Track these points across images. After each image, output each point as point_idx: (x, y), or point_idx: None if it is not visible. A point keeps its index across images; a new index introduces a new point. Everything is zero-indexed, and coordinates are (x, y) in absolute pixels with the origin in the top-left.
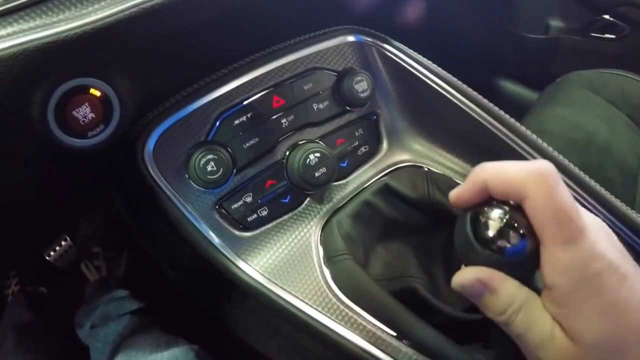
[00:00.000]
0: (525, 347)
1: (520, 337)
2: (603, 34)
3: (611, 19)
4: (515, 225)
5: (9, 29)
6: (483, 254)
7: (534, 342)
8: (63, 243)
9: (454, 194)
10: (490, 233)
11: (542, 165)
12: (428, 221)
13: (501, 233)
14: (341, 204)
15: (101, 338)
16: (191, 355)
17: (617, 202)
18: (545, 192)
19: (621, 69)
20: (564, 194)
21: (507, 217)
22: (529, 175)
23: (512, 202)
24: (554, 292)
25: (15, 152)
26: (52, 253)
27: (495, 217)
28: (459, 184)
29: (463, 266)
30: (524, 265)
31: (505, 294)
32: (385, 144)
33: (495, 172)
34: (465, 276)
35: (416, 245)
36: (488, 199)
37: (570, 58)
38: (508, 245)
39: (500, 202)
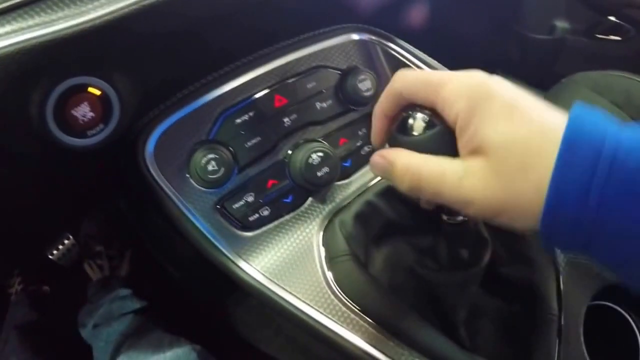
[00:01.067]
0: (449, 201)
1: (438, 194)
2: (608, 36)
3: (617, 20)
4: (423, 114)
5: (7, 27)
6: (397, 137)
7: (452, 186)
8: (66, 242)
9: (375, 111)
10: (407, 124)
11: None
12: (430, 225)
13: (413, 121)
14: (344, 204)
15: (104, 337)
16: (194, 355)
17: None
18: (421, 77)
19: (626, 70)
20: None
21: (418, 112)
22: (415, 78)
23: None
24: (458, 120)
25: (15, 152)
26: (55, 252)
27: (411, 114)
28: None
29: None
30: (432, 142)
31: (400, 162)
32: (387, 144)
33: (408, 81)
34: (372, 157)
35: (419, 248)
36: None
37: (575, 59)
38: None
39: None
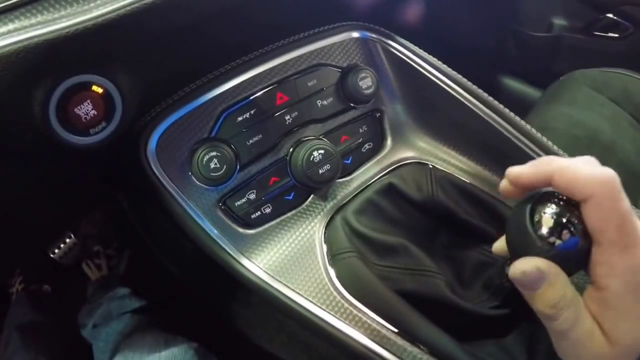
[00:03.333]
0: (565, 343)
1: (564, 332)
2: (606, 33)
3: (615, 17)
4: (572, 222)
5: (10, 26)
6: (539, 246)
7: (576, 338)
8: (67, 240)
9: (515, 172)
10: (546, 228)
11: (609, 171)
12: (431, 223)
13: (557, 228)
14: (345, 201)
15: (103, 337)
16: (190, 354)
17: None
18: (611, 196)
19: (624, 68)
20: (627, 202)
21: (565, 213)
22: (596, 178)
23: (571, 200)
24: (605, 293)
25: (18, 150)
26: (56, 251)
27: (554, 213)
28: (464, 181)
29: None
30: (574, 262)
31: (559, 287)
32: (389, 141)
33: (564, 166)
34: (528, 264)
35: (420, 245)
36: (545, 192)
37: (573, 56)
38: (560, 242)
39: (558, 198)
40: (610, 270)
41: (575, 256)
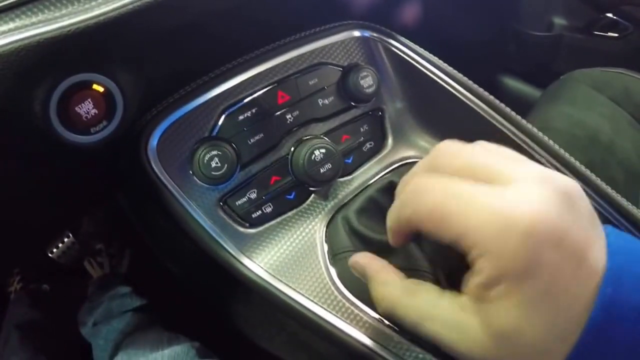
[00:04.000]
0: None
1: (413, 328)
2: (606, 33)
3: (614, 17)
4: None
5: (11, 25)
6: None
7: (434, 331)
8: (66, 240)
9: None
10: None
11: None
12: None
13: None
14: (346, 201)
15: (103, 335)
16: (192, 353)
17: (623, 201)
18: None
19: (624, 67)
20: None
21: None
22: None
23: None
24: (479, 278)
25: (18, 149)
26: (54, 250)
27: None
28: None
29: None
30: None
31: (381, 284)
32: (390, 140)
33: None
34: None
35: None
36: None
37: (573, 56)
38: None
39: None
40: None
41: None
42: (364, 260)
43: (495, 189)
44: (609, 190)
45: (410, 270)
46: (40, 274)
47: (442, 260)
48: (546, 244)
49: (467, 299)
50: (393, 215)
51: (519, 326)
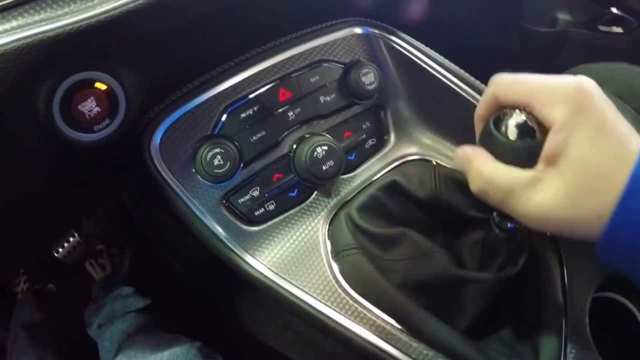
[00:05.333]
0: (513, 213)
1: (503, 204)
2: (611, 28)
3: (619, 12)
4: (524, 124)
5: (14, 23)
6: (491, 132)
7: (519, 201)
8: (71, 240)
9: (475, 115)
10: (505, 128)
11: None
12: (435, 221)
13: (513, 129)
14: (349, 198)
15: (108, 337)
16: (192, 353)
17: None
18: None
19: (628, 62)
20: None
21: (515, 112)
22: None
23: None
24: (554, 125)
25: (22, 147)
26: (60, 250)
27: (508, 112)
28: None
29: None
30: (526, 155)
31: (476, 163)
32: (392, 137)
33: (504, 84)
34: (458, 149)
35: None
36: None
37: (578, 51)
38: (514, 138)
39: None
40: (553, 99)
41: (527, 150)
42: (467, 148)
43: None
44: None
45: (420, 256)
46: (45, 274)
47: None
48: (596, 93)
49: (541, 164)
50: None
51: (587, 157)
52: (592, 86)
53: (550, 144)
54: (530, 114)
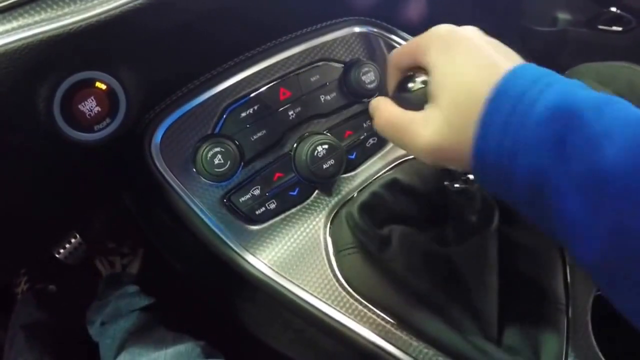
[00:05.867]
0: (409, 148)
1: (401, 142)
2: (610, 27)
3: (618, 11)
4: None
5: (14, 23)
6: (395, 94)
7: (412, 136)
8: (72, 240)
9: (389, 71)
10: (405, 83)
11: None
12: (436, 217)
13: (403, 83)
14: (350, 197)
15: (110, 335)
16: (196, 351)
17: None
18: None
19: (628, 61)
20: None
21: (416, 73)
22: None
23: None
24: (429, 69)
25: (22, 147)
26: (61, 251)
27: (410, 75)
28: (467, 174)
29: None
30: (413, 101)
31: (381, 108)
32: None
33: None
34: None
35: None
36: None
37: (578, 50)
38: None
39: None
40: (427, 58)
41: (417, 96)
42: (375, 99)
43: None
44: None
45: (408, 248)
46: (46, 274)
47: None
48: (462, 29)
49: (428, 104)
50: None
51: (458, 85)
52: (452, 27)
53: (431, 85)
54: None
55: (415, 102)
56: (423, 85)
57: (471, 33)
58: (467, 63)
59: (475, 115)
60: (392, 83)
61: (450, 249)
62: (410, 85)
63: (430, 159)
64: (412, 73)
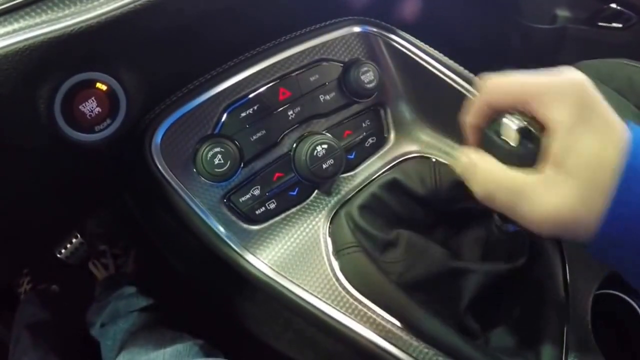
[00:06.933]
0: (523, 216)
1: (512, 208)
2: (610, 23)
3: (618, 7)
4: (524, 128)
5: (15, 25)
6: (491, 138)
7: (530, 202)
8: (74, 240)
9: (466, 122)
10: (501, 127)
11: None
12: (435, 218)
13: (512, 134)
14: (349, 196)
15: (111, 336)
16: (195, 350)
17: None
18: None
19: (628, 58)
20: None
21: (515, 116)
22: (530, 81)
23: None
24: (561, 125)
25: (23, 148)
26: (63, 251)
27: (508, 117)
28: None
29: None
30: (527, 157)
31: (482, 167)
32: (392, 135)
33: (496, 88)
34: (459, 153)
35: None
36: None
37: (578, 48)
38: (513, 142)
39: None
40: (553, 109)
41: (530, 153)
42: (472, 155)
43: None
44: None
45: (418, 255)
46: (49, 274)
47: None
48: (591, 87)
49: (549, 166)
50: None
51: (594, 155)
52: (586, 81)
53: (556, 145)
54: (526, 115)
55: (526, 159)
56: (528, 145)
57: (595, 92)
58: (604, 130)
59: (608, 181)
60: (476, 121)
61: (457, 264)
62: (515, 135)
63: (548, 228)
64: (513, 119)
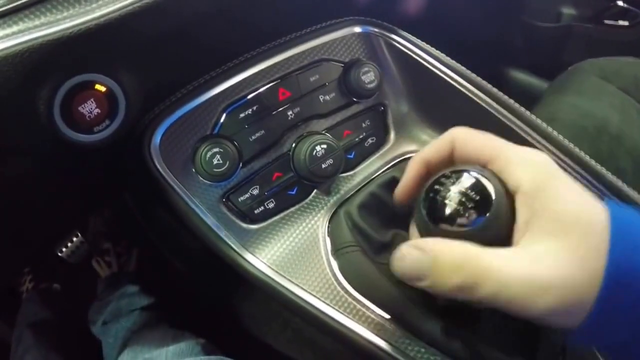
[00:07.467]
0: (516, 295)
1: (500, 291)
2: (616, 21)
3: (624, 5)
4: (473, 199)
5: (15, 28)
6: (434, 227)
7: (521, 276)
8: (75, 239)
9: (416, 158)
10: (447, 212)
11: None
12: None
13: (457, 211)
14: (349, 196)
15: (112, 334)
16: (197, 349)
17: (631, 192)
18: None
19: (634, 56)
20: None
21: (467, 190)
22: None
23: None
24: (526, 183)
25: (23, 149)
26: (64, 249)
27: (451, 195)
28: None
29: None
30: (491, 230)
31: (447, 256)
32: (392, 135)
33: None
34: (402, 248)
35: None
36: (441, 173)
37: (583, 46)
38: (466, 222)
39: (455, 174)
40: (517, 168)
41: (485, 226)
42: (424, 243)
43: None
44: (616, 180)
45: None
46: (50, 273)
47: None
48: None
49: (527, 235)
50: None
51: (575, 213)
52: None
53: (527, 207)
54: (488, 174)
55: (494, 232)
56: (491, 214)
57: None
58: (572, 191)
59: (604, 241)
60: (412, 184)
61: None
62: (474, 207)
63: (548, 306)
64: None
